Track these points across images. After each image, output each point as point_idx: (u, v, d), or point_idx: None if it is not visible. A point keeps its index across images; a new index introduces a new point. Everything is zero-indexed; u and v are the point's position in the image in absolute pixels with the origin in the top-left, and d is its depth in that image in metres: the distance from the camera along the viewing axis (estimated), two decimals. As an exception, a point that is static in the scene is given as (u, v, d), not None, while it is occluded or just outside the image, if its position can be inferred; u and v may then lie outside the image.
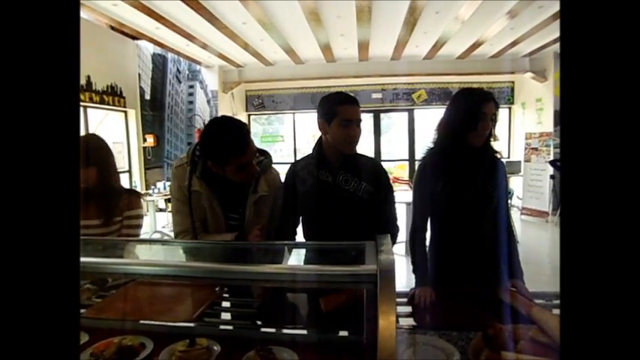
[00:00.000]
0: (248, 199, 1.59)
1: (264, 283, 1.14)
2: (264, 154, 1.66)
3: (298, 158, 1.78)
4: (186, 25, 5.38)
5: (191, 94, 8.32)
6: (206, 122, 7.44)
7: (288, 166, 1.73)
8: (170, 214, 7.96)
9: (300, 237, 1.76)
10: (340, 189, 1.59)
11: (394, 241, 1.58)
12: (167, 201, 7.59)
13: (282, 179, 1.73)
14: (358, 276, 0.84)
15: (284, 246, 1.54)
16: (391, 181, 1.70)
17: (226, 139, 1.42)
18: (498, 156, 1.67)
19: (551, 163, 6.86)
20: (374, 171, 1.65)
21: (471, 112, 1.53)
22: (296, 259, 1.34)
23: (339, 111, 1.53)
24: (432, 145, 1.68)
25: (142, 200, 1.85)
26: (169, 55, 8.11)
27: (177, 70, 8.31)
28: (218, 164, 1.46)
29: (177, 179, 1.59)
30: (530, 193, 7.50)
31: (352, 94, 1.60)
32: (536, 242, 6.07)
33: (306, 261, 1.28)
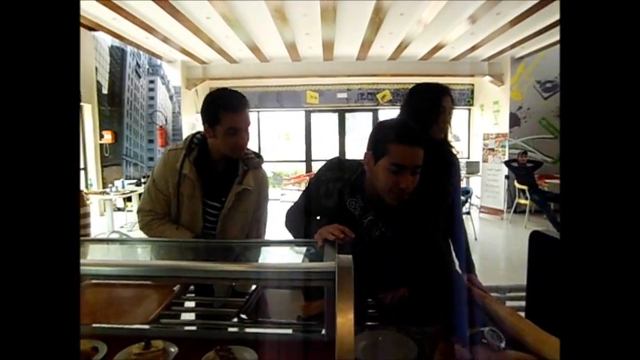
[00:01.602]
0: (232, 189, 1.58)
1: (224, 281, 1.13)
2: (257, 155, 1.67)
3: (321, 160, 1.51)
4: (146, 17, 5.20)
5: (152, 90, 8.06)
6: (168, 119, 7.21)
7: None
8: (129, 213, 7.65)
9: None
10: (365, 232, 1.34)
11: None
12: (126, 200, 7.32)
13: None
14: (317, 273, 0.84)
15: (247, 244, 1.53)
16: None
17: (223, 97, 1.49)
18: (454, 152, 1.70)
19: (506, 163, 7.17)
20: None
21: (432, 105, 1.54)
22: (259, 256, 1.33)
23: (389, 150, 1.20)
24: None
25: (82, 198, 1.77)
26: (128, 48, 7.81)
27: (137, 64, 8.03)
28: (212, 122, 1.48)
29: (166, 163, 1.59)
30: (487, 192, 7.81)
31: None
32: (493, 239, 6.32)
33: (268, 259, 1.27)
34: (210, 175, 1.58)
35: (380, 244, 1.32)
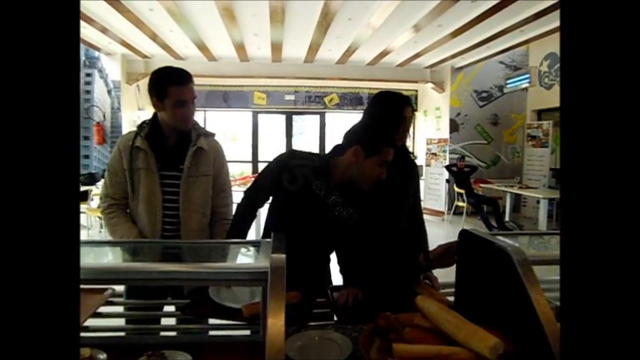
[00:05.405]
0: (188, 152, 1.64)
1: (158, 282, 1.09)
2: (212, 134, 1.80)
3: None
4: (83, 5, 4.88)
5: (88, 84, 7.61)
6: (106, 115, 6.84)
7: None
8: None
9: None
10: (329, 210, 1.52)
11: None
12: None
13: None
14: (250, 273, 0.84)
15: (184, 245, 1.49)
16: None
17: (169, 71, 1.60)
18: (412, 157, 1.79)
19: (447, 167, 7.53)
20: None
21: (394, 114, 1.61)
22: (194, 256, 1.29)
23: (381, 151, 1.45)
24: None
25: None
26: (63, 39, 7.30)
27: (73, 55, 7.52)
28: (160, 96, 1.57)
29: (119, 145, 1.66)
30: (429, 195, 8.16)
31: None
32: (433, 239, 6.52)
33: (203, 259, 1.24)
34: (164, 147, 1.64)
35: (344, 221, 1.53)
